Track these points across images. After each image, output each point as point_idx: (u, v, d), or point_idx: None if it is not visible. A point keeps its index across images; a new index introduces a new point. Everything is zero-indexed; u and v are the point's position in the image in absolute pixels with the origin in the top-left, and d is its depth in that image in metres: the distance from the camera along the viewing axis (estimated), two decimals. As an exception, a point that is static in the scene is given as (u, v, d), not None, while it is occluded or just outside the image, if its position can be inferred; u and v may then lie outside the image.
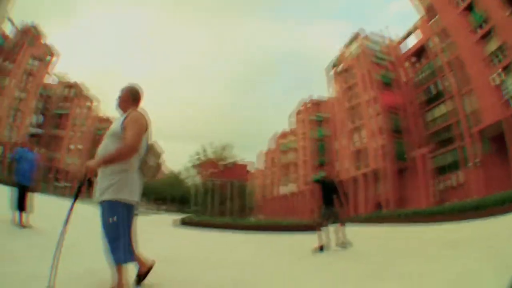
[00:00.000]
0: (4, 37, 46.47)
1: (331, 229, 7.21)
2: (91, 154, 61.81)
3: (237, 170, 33.44)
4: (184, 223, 16.99)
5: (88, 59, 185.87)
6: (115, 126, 2.98)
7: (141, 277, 3.16)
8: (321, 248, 6.75)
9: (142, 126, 2.93)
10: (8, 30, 46.87)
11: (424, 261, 5.18)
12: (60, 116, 59.05)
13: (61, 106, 59.93)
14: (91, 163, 2.78)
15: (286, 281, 4.01)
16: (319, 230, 7.07)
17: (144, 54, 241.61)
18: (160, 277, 3.53)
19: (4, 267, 3.35)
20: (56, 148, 56.92)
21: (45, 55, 53.31)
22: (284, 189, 62.01)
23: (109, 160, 2.77)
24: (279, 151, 68.13)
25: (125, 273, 2.84)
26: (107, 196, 2.83)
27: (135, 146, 2.80)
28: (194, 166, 40.90)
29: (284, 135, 68.39)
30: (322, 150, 53.20)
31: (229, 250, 7.79)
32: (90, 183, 2.94)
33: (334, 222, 7.34)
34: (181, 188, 51.62)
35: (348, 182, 40.35)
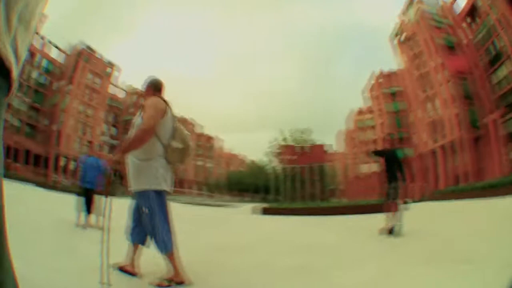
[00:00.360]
0: (52, 61, 50.43)
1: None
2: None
3: (315, 152, 33.16)
4: (265, 211, 17.12)
5: (150, 65, 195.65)
6: (138, 117, 3.08)
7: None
8: (390, 231, 6.18)
9: (158, 109, 2.92)
10: (54, 53, 50.52)
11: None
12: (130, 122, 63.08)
13: (132, 113, 64.30)
14: (114, 155, 2.85)
15: (352, 264, 4.19)
16: (388, 210, 6.53)
17: (205, 50, 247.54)
18: (234, 264, 3.89)
19: (66, 261, 3.57)
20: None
21: (104, 68, 56.73)
22: (365, 168, 60.15)
23: (127, 147, 2.78)
24: (357, 129, 66.13)
25: (178, 260, 2.90)
26: (135, 187, 2.92)
27: (148, 128, 2.78)
28: (273, 154, 41.33)
29: (360, 112, 66.04)
30: (399, 125, 50.47)
31: (301, 235, 7.91)
32: (120, 176, 3.01)
33: (393, 199, 6.60)
34: (263, 176, 52.55)
35: (427, 155, 38.66)
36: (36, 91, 45.84)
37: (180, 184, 66.21)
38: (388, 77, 55.56)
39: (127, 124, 62.03)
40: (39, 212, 9.07)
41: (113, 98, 59.68)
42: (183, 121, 75.01)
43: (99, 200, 6.83)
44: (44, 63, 48.64)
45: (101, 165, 7.35)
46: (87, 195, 7.11)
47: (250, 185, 49.80)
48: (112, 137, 59.68)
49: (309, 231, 8.84)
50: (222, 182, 67.71)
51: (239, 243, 5.98)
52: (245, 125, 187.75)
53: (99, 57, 55.13)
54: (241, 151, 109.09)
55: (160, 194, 2.96)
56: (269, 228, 9.87)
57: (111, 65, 57.89)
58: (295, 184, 31.71)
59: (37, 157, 42.61)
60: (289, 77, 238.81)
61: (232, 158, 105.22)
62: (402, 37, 45.37)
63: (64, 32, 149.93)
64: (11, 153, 38.67)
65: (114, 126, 61.63)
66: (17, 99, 42.73)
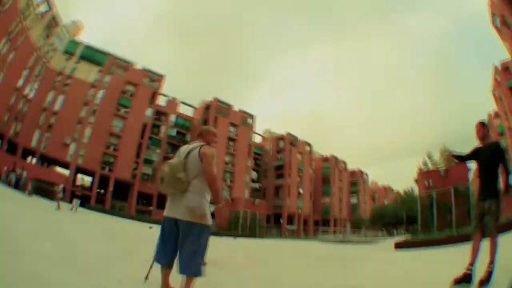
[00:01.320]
0: (188, 118, 57.94)
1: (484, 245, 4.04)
2: (318, 195, 65.46)
3: (456, 172, 28.75)
4: (399, 246, 15.27)
5: (279, 109, 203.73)
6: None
7: None
8: (458, 281, 3.90)
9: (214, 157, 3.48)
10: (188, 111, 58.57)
11: None
12: (280, 167, 66.29)
13: (278, 158, 67.53)
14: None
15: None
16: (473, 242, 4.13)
17: (335, 88, 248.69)
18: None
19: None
20: (283, 195, 63.58)
21: (244, 119, 62.28)
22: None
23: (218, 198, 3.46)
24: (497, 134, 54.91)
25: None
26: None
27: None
28: (415, 181, 37.97)
29: (496, 115, 54.92)
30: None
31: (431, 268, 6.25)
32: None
33: (488, 228, 4.02)
34: (407, 207, 48.04)
35: None
36: (168, 144, 54.04)
37: (323, 223, 65.33)
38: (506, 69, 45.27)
39: (278, 168, 65.63)
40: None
41: (253, 145, 64.43)
42: (332, 159, 75.68)
43: None
44: (179, 120, 58.30)
45: None
46: None
47: (394, 218, 45.69)
48: (253, 180, 63.62)
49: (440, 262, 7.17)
50: (366, 217, 64.48)
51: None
52: (388, 155, 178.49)
53: (235, 109, 61.40)
54: (386, 182, 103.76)
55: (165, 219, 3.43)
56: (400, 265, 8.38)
57: (246, 114, 63.52)
58: (437, 211, 27.68)
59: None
60: (419, 98, 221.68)
61: (377, 191, 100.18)
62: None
63: (193, 90, 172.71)
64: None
65: (254, 170, 66.01)
66: (153, 153, 49.70)
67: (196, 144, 3.47)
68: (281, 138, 69.48)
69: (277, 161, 67.34)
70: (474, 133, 4.44)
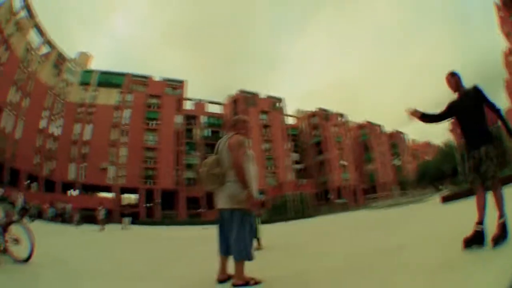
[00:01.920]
0: (218, 116, 58.09)
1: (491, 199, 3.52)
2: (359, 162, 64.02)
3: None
4: (446, 199, 14.41)
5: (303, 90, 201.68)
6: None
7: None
8: (469, 242, 3.43)
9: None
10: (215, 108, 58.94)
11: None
12: (318, 143, 65.34)
13: (314, 135, 66.58)
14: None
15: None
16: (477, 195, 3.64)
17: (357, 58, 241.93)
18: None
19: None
20: (326, 171, 62.76)
21: (273, 103, 61.36)
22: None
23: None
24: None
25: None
26: None
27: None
28: (450, 130, 35.87)
29: (510, 51, 50.18)
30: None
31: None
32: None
33: (484, 179, 3.56)
34: (448, 160, 45.30)
35: None
36: (206, 145, 54.14)
37: (372, 190, 63.99)
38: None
39: (310, 146, 65.12)
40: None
41: (287, 127, 63.14)
42: (368, 125, 73.99)
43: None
44: (207, 120, 58.61)
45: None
46: None
47: (438, 173, 43.38)
48: (296, 162, 63.35)
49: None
50: (411, 177, 62.13)
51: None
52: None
53: (262, 96, 60.66)
54: (426, 138, 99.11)
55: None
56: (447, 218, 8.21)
57: (274, 99, 62.50)
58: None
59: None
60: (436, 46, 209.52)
61: (418, 148, 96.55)
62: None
63: (219, 86, 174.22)
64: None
65: (295, 152, 65.06)
66: (192, 157, 50.86)
67: (226, 136, 3.66)
68: (313, 115, 68.32)
69: (314, 138, 66.45)
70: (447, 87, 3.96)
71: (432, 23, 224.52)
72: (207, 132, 57.68)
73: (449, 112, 3.97)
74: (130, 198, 47.85)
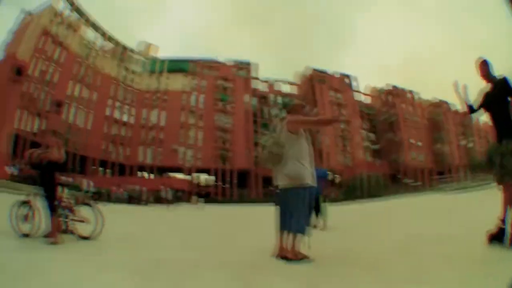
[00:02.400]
0: (292, 96, 56.64)
1: None
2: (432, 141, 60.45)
3: None
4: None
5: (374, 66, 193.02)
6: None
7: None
8: (494, 237, 3.48)
9: None
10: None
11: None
12: (392, 122, 62.45)
13: (388, 113, 63.71)
14: None
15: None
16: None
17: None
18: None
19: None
20: (400, 151, 59.92)
21: (342, 81, 58.98)
22: None
23: None
24: None
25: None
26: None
27: None
28: None
29: None
30: None
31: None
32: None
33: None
34: None
35: None
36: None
37: (443, 172, 60.48)
38: None
39: (384, 125, 62.68)
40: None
41: (361, 105, 61.02)
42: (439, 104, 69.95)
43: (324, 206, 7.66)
44: (279, 100, 56.64)
45: (321, 174, 7.48)
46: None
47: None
48: (373, 142, 61.26)
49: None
50: (481, 160, 57.24)
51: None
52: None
53: (332, 73, 58.44)
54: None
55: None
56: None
57: (346, 77, 60.16)
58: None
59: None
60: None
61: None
62: None
63: (290, 65, 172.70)
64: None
65: (371, 132, 62.80)
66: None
67: (282, 119, 3.93)
68: (388, 92, 65.23)
69: (388, 116, 63.51)
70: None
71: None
72: (281, 112, 57.07)
73: (485, 103, 3.84)
74: (206, 178, 48.86)
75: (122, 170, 40.98)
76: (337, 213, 10.04)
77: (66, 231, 4.83)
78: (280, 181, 3.65)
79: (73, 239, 4.76)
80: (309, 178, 3.59)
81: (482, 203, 10.49)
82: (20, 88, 31.71)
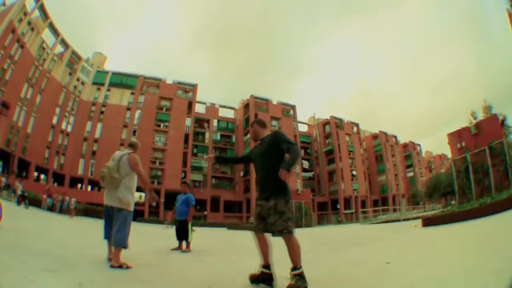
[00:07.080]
0: (230, 120, 59.03)
1: None
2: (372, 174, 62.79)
3: (488, 127, 25.86)
4: (427, 222, 13.01)
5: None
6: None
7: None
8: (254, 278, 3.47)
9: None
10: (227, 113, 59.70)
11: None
12: (330, 151, 64.52)
13: (326, 143, 65.92)
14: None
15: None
16: None
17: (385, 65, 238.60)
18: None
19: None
20: (337, 179, 61.91)
21: (285, 110, 61.08)
22: None
23: None
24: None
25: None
26: None
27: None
28: (448, 144, 34.47)
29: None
30: None
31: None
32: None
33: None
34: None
35: None
36: (215, 148, 56.41)
37: (384, 201, 62.91)
38: None
39: (328, 154, 64.49)
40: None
41: (297, 133, 62.44)
42: (381, 135, 72.73)
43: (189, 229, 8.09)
44: (221, 124, 59.84)
45: (186, 198, 8.29)
46: (178, 225, 8.16)
47: (449, 187, 42.03)
48: (305, 170, 63.18)
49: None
50: (422, 191, 60.13)
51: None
52: (438, 122, 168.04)
53: (274, 103, 60.68)
54: (440, 151, 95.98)
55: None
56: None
57: (287, 105, 62.41)
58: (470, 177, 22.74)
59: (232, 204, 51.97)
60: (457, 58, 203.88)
61: (433, 161, 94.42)
62: None
63: (231, 93, 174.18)
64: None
65: (305, 159, 65.22)
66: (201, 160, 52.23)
67: (124, 151, 4.69)
68: (326, 122, 67.52)
69: (326, 146, 65.82)
70: None
71: (454, 34, 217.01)
72: (217, 136, 58.51)
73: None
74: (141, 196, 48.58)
75: (61, 179, 40.68)
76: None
77: None
78: (114, 202, 4.31)
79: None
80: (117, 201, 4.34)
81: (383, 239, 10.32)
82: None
